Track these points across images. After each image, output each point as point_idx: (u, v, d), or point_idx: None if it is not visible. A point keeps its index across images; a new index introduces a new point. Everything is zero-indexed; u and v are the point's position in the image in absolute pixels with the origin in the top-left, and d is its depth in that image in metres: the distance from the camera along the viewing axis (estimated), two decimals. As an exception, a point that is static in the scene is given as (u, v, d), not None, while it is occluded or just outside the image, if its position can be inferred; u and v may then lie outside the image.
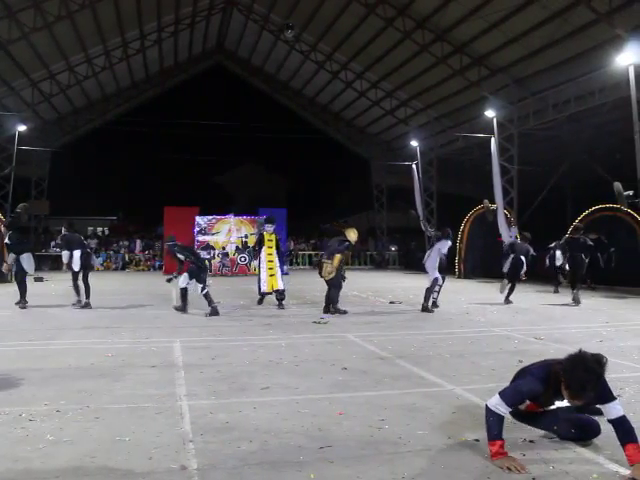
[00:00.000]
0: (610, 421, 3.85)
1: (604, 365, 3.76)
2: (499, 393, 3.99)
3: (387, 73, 27.05)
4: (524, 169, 22.95)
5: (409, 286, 19.27)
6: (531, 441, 4.26)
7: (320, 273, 12.38)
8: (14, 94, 25.31)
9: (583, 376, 3.69)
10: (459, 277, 24.37)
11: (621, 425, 3.80)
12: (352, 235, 12.47)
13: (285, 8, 25.76)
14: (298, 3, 24.84)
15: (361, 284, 20.37)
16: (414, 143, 28.91)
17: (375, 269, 33.41)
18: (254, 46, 31.46)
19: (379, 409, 5.13)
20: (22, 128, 26.24)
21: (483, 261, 24.10)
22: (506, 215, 21.92)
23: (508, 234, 21.03)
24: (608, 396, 3.85)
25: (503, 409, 3.93)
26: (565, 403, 4.01)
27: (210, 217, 27.24)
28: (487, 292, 17.68)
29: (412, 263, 32.24)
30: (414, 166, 28.73)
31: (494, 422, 3.93)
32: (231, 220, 27.34)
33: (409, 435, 4.42)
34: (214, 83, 37.11)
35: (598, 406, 3.97)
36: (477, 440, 4.27)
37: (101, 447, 4.16)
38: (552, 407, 4.17)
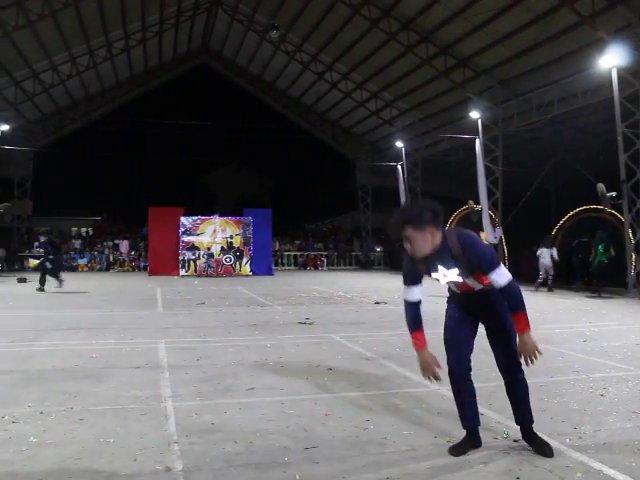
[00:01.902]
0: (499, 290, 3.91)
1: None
2: (497, 273, 3.86)
3: (372, 74, 27.11)
4: (508, 170, 23.09)
5: (394, 286, 19.26)
6: (515, 440, 4.27)
7: None
8: (-4, 93, 25.10)
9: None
10: (444, 277, 24.43)
11: (506, 295, 3.91)
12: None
13: (270, 8, 25.73)
14: (283, 3, 24.83)
15: (346, 285, 20.42)
16: (399, 144, 29.01)
17: (360, 270, 33.49)
18: (239, 46, 31.40)
19: (364, 410, 5.14)
20: (4, 128, 26.06)
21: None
22: (491, 216, 22.06)
23: (493, 235, 21.17)
24: (488, 266, 3.86)
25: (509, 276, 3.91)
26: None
27: (195, 217, 27.21)
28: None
29: (397, 264, 32.35)
30: (399, 167, 28.84)
31: (520, 292, 3.94)
32: (216, 221, 27.31)
33: (394, 435, 4.43)
34: (199, 83, 37.00)
35: (488, 278, 3.91)
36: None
37: (85, 449, 4.13)
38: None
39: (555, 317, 11.95)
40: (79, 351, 7.83)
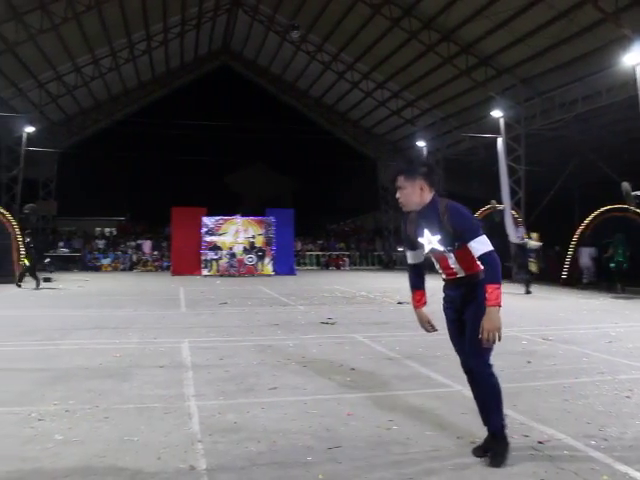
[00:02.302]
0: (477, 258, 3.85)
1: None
2: (477, 241, 3.80)
3: (393, 73, 27.04)
4: (531, 169, 22.90)
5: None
6: (540, 442, 4.23)
7: None
8: (22, 95, 25.44)
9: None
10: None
11: (484, 264, 3.82)
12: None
13: (290, 9, 25.81)
14: (303, 4, 24.89)
15: (369, 284, 20.39)
16: (421, 143, 28.93)
17: (383, 269, 33.41)
18: (260, 47, 31.52)
19: (387, 410, 5.12)
20: (30, 129, 26.46)
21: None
22: (513, 215, 21.88)
23: (515, 234, 20.99)
24: (470, 234, 3.82)
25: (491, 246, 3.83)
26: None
27: (217, 218, 27.31)
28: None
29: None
30: (420, 166, 28.65)
31: (498, 265, 3.81)
32: (238, 221, 27.39)
33: (418, 436, 4.42)
34: (220, 84, 37.15)
35: (469, 246, 3.84)
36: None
37: (110, 447, 4.17)
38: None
39: (579, 317, 11.85)
40: (103, 350, 7.90)
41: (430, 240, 4.04)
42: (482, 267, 3.88)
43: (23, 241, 20.45)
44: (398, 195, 4.07)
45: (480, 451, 3.99)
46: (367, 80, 28.99)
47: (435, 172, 4.07)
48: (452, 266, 4.04)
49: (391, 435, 4.43)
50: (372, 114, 32.52)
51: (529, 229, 21.39)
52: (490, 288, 3.76)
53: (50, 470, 3.75)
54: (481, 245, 3.80)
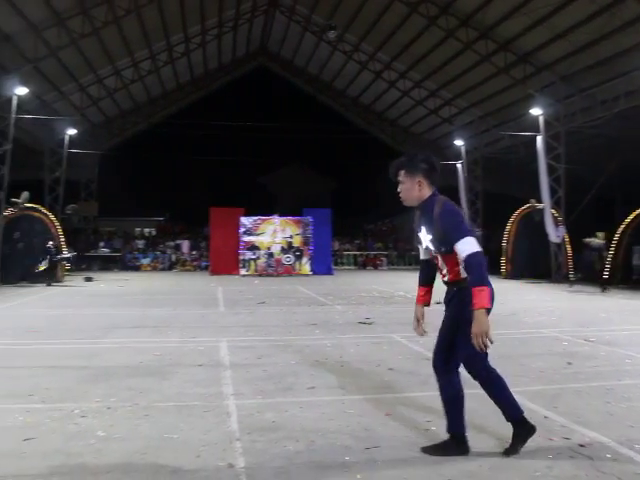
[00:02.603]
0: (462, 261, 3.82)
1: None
2: (463, 242, 3.77)
3: (431, 72, 26.85)
4: (572, 167, 22.50)
5: (454, 286, 19.06)
6: (581, 445, 4.17)
7: None
8: (64, 99, 25.96)
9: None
10: (505, 277, 24.07)
11: (467, 266, 3.78)
12: None
13: (327, 9, 25.80)
14: (340, 3, 24.85)
15: (406, 284, 20.26)
16: (459, 142, 28.70)
17: (420, 269, 33.15)
18: (297, 47, 31.61)
19: (426, 410, 5.09)
20: (72, 132, 27.05)
21: (529, 261, 23.78)
22: (553, 215, 21.57)
23: (555, 234, 20.71)
24: (456, 235, 3.79)
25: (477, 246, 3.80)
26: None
27: (255, 218, 27.46)
28: (534, 293, 17.43)
29: (457, 263, 31.97)
30: (459, 165, 28.50)
31: (482, 267, 3.79)
32: (276, 221, 27.50)
33: (456, 436, 4.38)
34: (258, 84, 37.36)
35: (455, 248, 3.82)
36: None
37: (150, 444, 4.23)
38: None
39: (622, 318, 11.61)
40: (143, 349, 8.01)
41: (425, 237, 4.10)
42: (464, 276, 3.89)
43: (56, 246, 21.35)
44: (399, 189, 4.16)
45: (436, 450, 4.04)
46: (404, 79, 28.85)
47: (436, 170, 4.10)
48: (441, 267, 4.08)
49: (430, 436, 4.41)
50: (409, 113, 32.37)
51: (569, 229, 21.12)
52: (475, 291, 3.72)
53: (93, 466, 3.83)
54: (467, 245, 3.77)
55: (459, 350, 4.05)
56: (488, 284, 3.76)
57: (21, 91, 20.12)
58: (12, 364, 7.05)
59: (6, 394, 5.60)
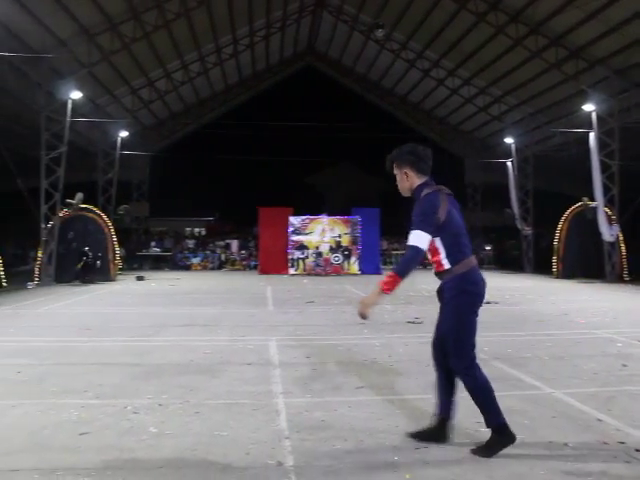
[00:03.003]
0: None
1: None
2: (412, 233, 3.94)
3: (480, 69, 26.50)
4: (626, 164, 21.92)
5: (505, 286, 18.81)
6: (637, 449, 4.05)
7: None
8: (116, 102, 26.53)
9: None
10: (557, 277, 23.60)
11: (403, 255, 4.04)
12: None
13: (374, 8, 25.70)
14: (387, 2, 24.74)
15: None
16: (509, 140, 28.26)
17: (469, 269, 32.76)
18: (344, 46, 31.57)
19: (475, 411, 5.01)
20: (124, 134, 27.61)
21: (582, 261, 23.29)
22: (607, 213, 21.07)
23: (609, 233, 20.23)
24: (413, 224, 3.96)
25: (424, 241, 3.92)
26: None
27: (304, 217, 27.55)
28: (586, 293, 17.05)
29: (508, 262, 31.52)
30: (509, 163, 28.08)
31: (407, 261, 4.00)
32: (324, 220, 27.55)
33: (507, 438, 4.31)
34: (305, 84, 37.46)
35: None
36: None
37: (201, 441, 4.28)
38: None
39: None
40: (193, 347, 8.12)
41: None
42: (447, 267, 4.01)
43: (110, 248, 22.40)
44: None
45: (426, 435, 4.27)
46: (453, 77, 28.56)
47: (423, 161, 4.20)
48: (428, 257, 4.14)
49: (479, 437, 4.34)
50: (458, 111, 32.03)
51: (623, 228, 20.60)
52: (389, 274, 3.90)
53: (146, 461, 3.91)
54: (413, 237, 3.92)
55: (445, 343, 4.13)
56: (402, 277, 3.86)
57: (75, 95, 20.63)
58: (68, 361, 7.24)
59: (62, 390, 5.75)
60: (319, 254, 27.17)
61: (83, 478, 3.63)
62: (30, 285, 19.04)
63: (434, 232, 3.95)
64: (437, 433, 4.21)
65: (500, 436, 3.98)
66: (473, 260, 4.09)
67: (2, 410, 5.09)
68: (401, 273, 3.86)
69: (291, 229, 27.21)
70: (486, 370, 6.50)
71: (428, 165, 4.21)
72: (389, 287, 3.83)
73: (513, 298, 14.49)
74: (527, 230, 28.20)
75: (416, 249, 3.88)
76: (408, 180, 4.21)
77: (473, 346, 4.05)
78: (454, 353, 4.01)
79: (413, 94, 33.32)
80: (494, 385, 5.88)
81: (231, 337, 9.05)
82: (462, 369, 4.05)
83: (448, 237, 4.01)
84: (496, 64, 25.20)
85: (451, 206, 4.10)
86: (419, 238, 3.88)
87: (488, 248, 35.79)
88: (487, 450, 3.97)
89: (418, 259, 3.91)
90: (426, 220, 3.92)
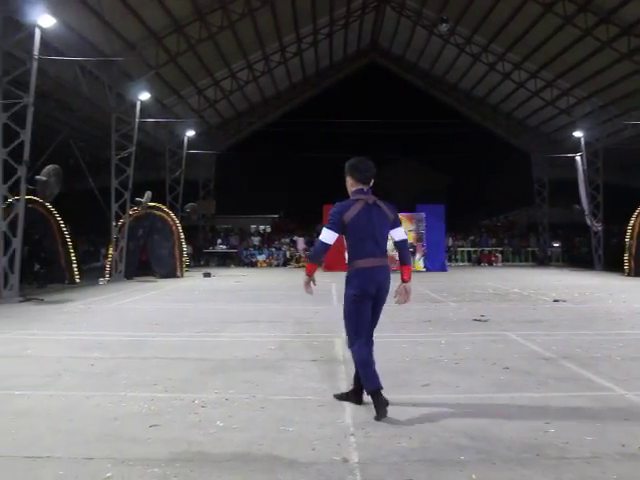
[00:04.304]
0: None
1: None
2: (322, 230, 5.00)
3: (547, 62, 25.81)
4: None
5: (573, 284, 18.34)
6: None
7: None
8: (182, 102, 27.09)
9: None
10: (629, 275, 22.83)
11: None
12: None
13: (438, 2, 25.36)
14: (451, -4, 24.40)
15: (523, 281, 19.71)
16: (577, 134, 27.44)
17: (537, 266, 32.16)
18: (408, 42, 31.31)
19: (543, 412, 4.93)
20: (190, 133, 28.20)
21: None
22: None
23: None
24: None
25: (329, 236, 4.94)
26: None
27: (368, 214, 27.43)
28: (662, 291, 16.44)
29: (577, 260, 30.73)
30: (578, 158, 27.28)
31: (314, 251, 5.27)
32: (389, 216, 27.39)
33: (576, 440, 4.21)
34: (369, 81, 37.34)
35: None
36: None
37: (267, 436, 4.34)
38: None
39: None
40: (259, 343, 8.23)
41: None
42: (347, 262, 5.11)
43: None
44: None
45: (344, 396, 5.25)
46: (519, 70, 27.93)
47: (359, 172, 5.08)
48: None
49: (547, 438, 4.27)
50: (525, 105, 31.30)
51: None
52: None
53: (213, 454, 3.99)
54: (322, 232, 4.95)
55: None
56: (313, 262, 5.22)
57: (144, 96, 21.19)
58: (138, 355, 7.45)
59: (133, 383, 5.93)
60: (384, 251, 27.05)
61: (153, 469, 3.73)
62: (102, 281, 19.62)
63: (340, 231, 4.91)
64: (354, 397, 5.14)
65: (376, 399, 4.72)
66: (374, 261, 4.89)
67: (77, 401, 5.29)
68: (312, 259, 5.29)
69: (356, 226, 27.15)
70: (554, 370, 6.40)
71: (365, 175, 5.06)
72: (308, 270, 5.15)
73: (582, 296, 14.13)
74: (597, 226, 27.35)
75: (322, 242, 4.93)
76: (349, 188, 5.18)
77: (357, 329, 4.98)
78: (346, 333, 5.11)
79: (478, 89, 32.72)
80: (563, 385, 5.79)
81: (296, 333, 9.13)
82: (349, 346, 5.06)
83: (351, 238, 4.93)
84: (564, 56, 24.49)
85: (365, 214, 4.87)
86: (325, 234, 4.91)
87: (556, 245, 34.96)
88: (377, 413, 4.67)
89: (324, 250, 4.98)
90: (332, 220, 4.91)
